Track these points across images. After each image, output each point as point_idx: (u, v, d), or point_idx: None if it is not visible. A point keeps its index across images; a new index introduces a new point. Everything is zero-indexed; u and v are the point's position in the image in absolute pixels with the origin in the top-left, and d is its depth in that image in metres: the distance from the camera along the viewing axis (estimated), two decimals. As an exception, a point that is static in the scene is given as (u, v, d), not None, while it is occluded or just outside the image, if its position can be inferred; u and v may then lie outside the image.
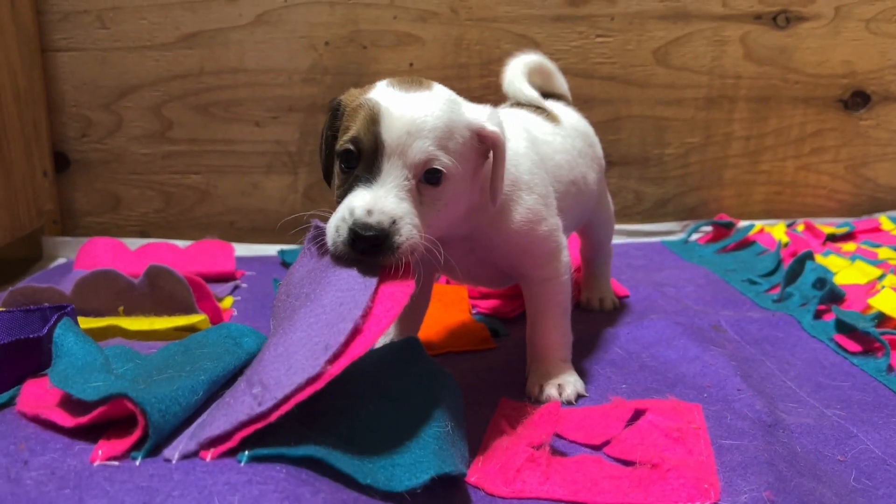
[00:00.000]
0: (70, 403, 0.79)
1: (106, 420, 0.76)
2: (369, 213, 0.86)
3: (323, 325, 0.79)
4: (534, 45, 2.09)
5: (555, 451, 0.93)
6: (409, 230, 0.88)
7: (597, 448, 0.95)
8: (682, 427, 0.96)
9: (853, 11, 2.18)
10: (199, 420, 0.77)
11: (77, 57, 2.08)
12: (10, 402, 0.85)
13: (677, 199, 2.29)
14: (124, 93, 2.10)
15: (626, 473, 0.87)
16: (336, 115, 1.00)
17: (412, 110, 0.90)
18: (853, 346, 1.28)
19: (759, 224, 2.12)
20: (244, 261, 1.95)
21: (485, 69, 2.13)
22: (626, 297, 1.59)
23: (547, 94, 1.44)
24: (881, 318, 1.35)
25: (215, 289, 1.60)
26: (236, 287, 1.71)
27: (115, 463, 0.70)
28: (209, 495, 0.65)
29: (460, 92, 1.02)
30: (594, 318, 1.46)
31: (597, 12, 2.13)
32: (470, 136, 0.96)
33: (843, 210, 2.33)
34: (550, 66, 1.44)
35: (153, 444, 0.72)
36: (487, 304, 1.52)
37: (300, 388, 0.73)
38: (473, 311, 1.50)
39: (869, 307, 1.40)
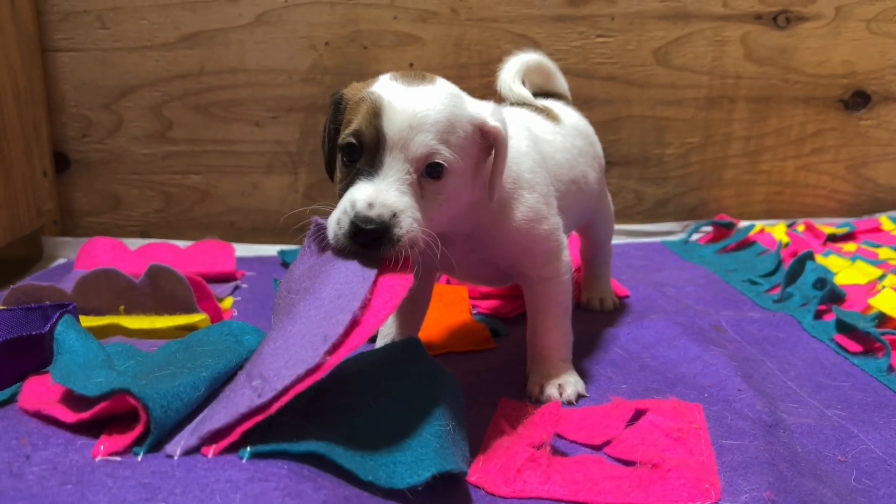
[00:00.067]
0: (72, 399, 0.79)
1: (108, 416, 0.76)
2: (370, 206, 0.87)
3: (322, 316, 0.79)
4: (534, 45, 2.08)
5: (555, 451, 0.93)
6: (410, 223, 0.88)
7: (597, 448, 0.95)
8: (682, 427, 0.96)
9: (854, 11, 2.18)
10: (201, 416, 0.77)
11: (77, 57, 2.08)
12: (11, 399, 0.85)
13: (677, 200, 2.29)
14: (124, 93, 2.11)
15: (627, 473, 0.87)
16: (338, 108, 1.00)
17: (414, 104, 0.90)
18: (854, 347, 1.28)
19: (759, 224, 2.12)
20: (244, 261, 1.95)
21: (485, 69, 2.13)
22: (627, 297, 1.59)
23: (547, 94, 1.44)
24: (882, 319, 1.35)
25: (216, 289, 1.60)
26: (236, 287, 1.71)
27: (117, 458, 0.70)
28: (211, 492, 0.65)
29: (460, 91, 1.02)
30: (594, 319, 1.46)
31: (597, 12, 2.14)
32: (472, 130, 0.96)
33: (844, 210, 2.33)
34: (550, 65, 1.44)
35: (155, 440, 0.72)
36: (488, 305, 1.52)
37: (300, 379, 0.73)
38: (474, 312, 1.50)
39: (869, 307, 1.40)
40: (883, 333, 1.27)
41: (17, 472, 0.68)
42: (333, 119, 1.00)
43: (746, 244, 2.01)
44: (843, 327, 1.33)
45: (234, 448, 0.71)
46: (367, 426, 0.79)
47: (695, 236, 2.18)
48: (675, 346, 1.25)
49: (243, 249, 2.08)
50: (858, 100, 2.25)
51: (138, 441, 0.72)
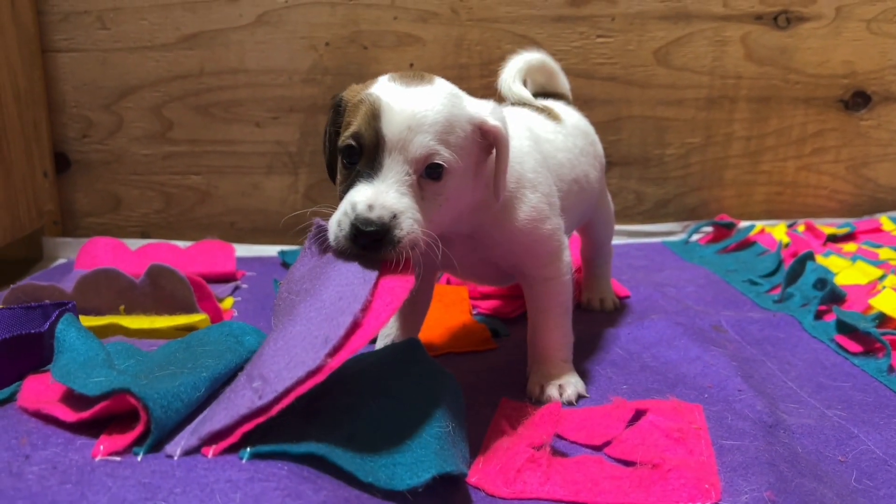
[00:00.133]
0: (72, 398, 0.79)
1: (108, 415, 0.76)
2: (371, 207, 0.86)
3: (323, 318, 0.79)
4: (534, 45, 2.07)
5: (555, 452, 0.93)
6: (410, 224, 0.88)
7: (597, 448, 0.95)
8: (682, 427, 0.96)
9: (854, 12, 2.18)
10: (201, 416, 0.77)
11: (77, 58, 2.08)
12: (11, 398, 0.85)
13: (678, 200, 2.29)
14: (125, 93, 2.11)
15: (627, 474, 0.87)
16: (338, 110, 1.00)
17: (413, 105, 0.90)
18: (854, 347, 1.28)
19: (759, 224, 2.12)
20: (244, 261, 1.95)
21: (485, 69, 2.13)
22: (627, 297, 1.59)
23: (549, 94, 1.44)
24: (882, 319, 1.35)
25: (216, 289, 1.60)
26: (237, 288, 1.71)
27: (117, 458, 0.70)
28: (211, 492, 0.65)
29: (461, 92, 1.02)
30: (595, 319, 1.46)
31: (597, 13, 2.14)
32: (472, 130, 0.95)
33: (844, 210, 2.33)
34: (553, 65, 1.43)
35: (155, 440, 0.72)
36: (488, 305, 1.52)
37: (300, 381, 0.73)
38: (474, 312, 1.50)
39: (870, 307, 1.40)
40: (883, 334, 1.27)
41: (17, 472, 0.68)
42: (333, 122, 1.00)
43: (747, 244, 2.01)
44: (844, 328, 1.33)
45: (234, 448, 0.71)
46: (367, 427, 0.79)
47: (695, 237, 2.18)
48: (675, 347, 1.25)
49: (243, 250, 2.08)
50: (859, 100, 2.25)
51: (138, 441, 0.72)
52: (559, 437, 0.98)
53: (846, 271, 1.62)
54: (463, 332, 1.38)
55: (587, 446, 0.96)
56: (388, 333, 1.26)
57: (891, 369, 1.19)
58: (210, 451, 0.70)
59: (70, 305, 0.99)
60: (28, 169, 2.00)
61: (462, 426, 0.88)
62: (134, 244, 1.89)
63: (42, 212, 2.10)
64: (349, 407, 0.82)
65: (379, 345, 1.23)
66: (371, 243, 0.86)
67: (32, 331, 0.91)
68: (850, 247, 1.89)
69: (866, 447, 0.96)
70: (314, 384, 0.73)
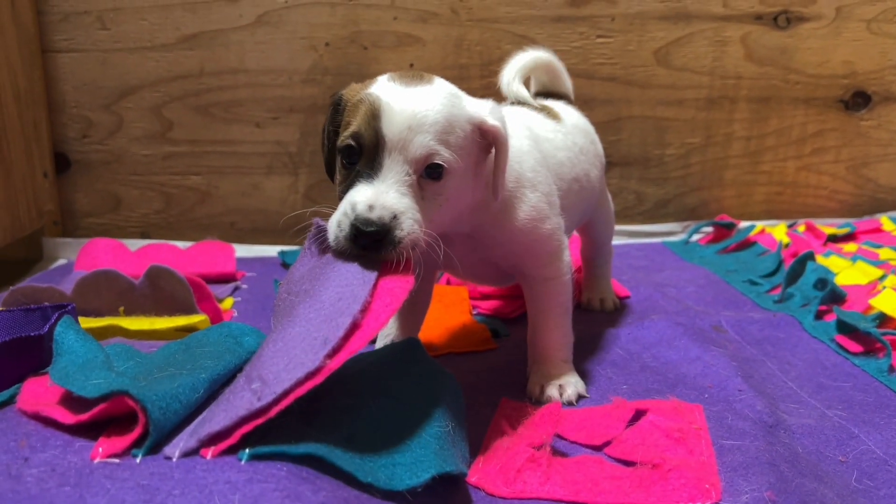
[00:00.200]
0: (71, 401, 0.79)
1: (106, 417, 0.76)
2: (371, 208, 0.86)
3: (322, 319, 0.79)
4: (534, 45, 2.08)
5: (555, 452, 0.92)
6: (411, 225, 0.88)
7: (598, 448, 0.95)
8: (683, 427, 0.96)
9: (854, 12, 2.18)
10: (200, 418, 0.77)
11: (77, 58, 2.08)
12: (10, 400, 0.85)
13: (678, 200, 2.29)
14: (125, 94, 2.11)
15: (627, 474, 0.87)
16: (337, 109, 0.99)
17: (413, 105, 0.90)
18: (854, 347, 1.28)
19: (759, 225, 2.12)
20: (244, 262, 1.95)
21: (485, 70, 2.13)
22: (627, 297, 1.59)
23: (551, 94, 1.44)
24: (882, 319, 1.35)
25: (216, 290, 1.60)
26: (236, 288, 1.71)
27: (116, 460, 0.70)
28: (210, 493, 0.65)
29: (460, 92, 1.02)
30: (595, 319, 1.46)
31: (597, 13, 2.14)
32: (471, 129, 0.95)
33: (844, 210, 2.33)
34: (559, 65, 1.43)
35: (154, 442, 0.72)
36: (488, 305, 1.52)
37: (299, 382, 0.73)
38: (474, 312, 1.50)
39: (870, 308, 1.40)
40: (884, 334, 1.27)
41: (16, 474, 0.68)
42: (332, 120, 1.00)
43: (747, 245, 2.01)
44: (844, 328, 1.32)
45: (232, 450, 0.71)
46: (366, 427, 0.79)
47: (695, 237, 2.18)
48: (675, 347, 1.25)
49: (243, 250, 2.08)
50: (859, 100, 2.25)
51: (137, 443, 0.72)
52: (559, 437, 0.98)
53: (846, 271, 1.62)
54: (463, 332, 1.38)
55: (587, 446, 0.96)
56: (387, 334, 1.26)
57: (891, 369, 1.19)
58: (209, 453, 0.70)
59: (69, 307, 0.99)
60: (28, 169, 2.00)
61: (462, 426, 0.88)
62: (134, 244, 1.89)
63: (42, 212, 2.10)
64: (349, 407, 0.82)
65: (379, 345, 1.23)
66: (371, 244, 0.86)
67: (32, 333, 0.91)
68: (850, 247, 1.89)
69: (867, 447, 0.96)
70: (313, 385, 0.73)
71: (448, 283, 1.64)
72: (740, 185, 2.29)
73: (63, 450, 0.73)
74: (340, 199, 0.92)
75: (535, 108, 1.28)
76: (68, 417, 0.76)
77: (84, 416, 0.75)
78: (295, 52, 2.10)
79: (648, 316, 1.42)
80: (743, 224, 2.16)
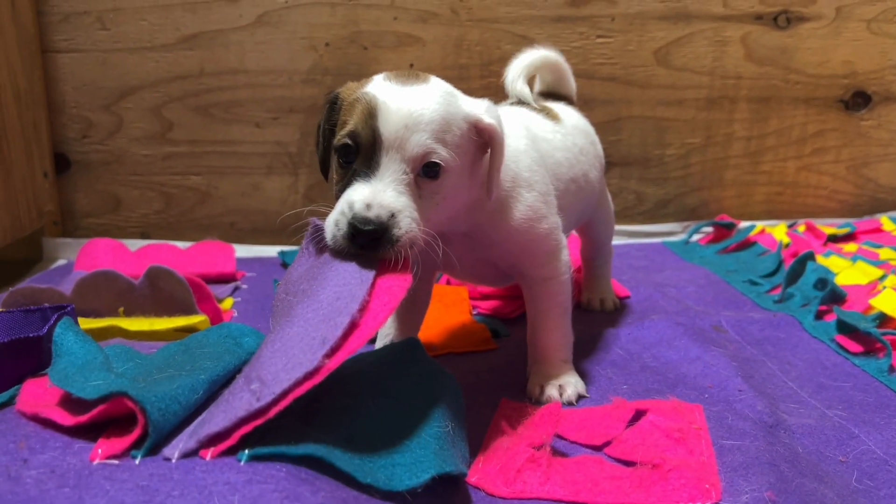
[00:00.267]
0: (70, 402, 0.79)
1: (106, 419, 0.76)
2: (368, 207, 0.86)
3: (320, 319, 0.79)
4: (535, 45, 2.08)
5: (555, 452, 0.92)
6: (409, 223, 0.88)
7: (598, 448, 0.95)
8: (683, 427, 0.96)
9: (854, 12, 2.18)
10: (199, 419, 0.76)
11: (77, 58, 2.08)
12: (9, 402, 0.85)
13: (678, 200, 2.29)
14: (125, 94, 2.10)
15: (627, 474, 0.87)
16: (333, 108, 0.99)
17: (409, 104, 0.90)
18: (854, 347, 1.28)
19: (760, 225, 2.12)
20: (244, 262, 1.95)
21: (485, 70, 2.13)
22: (627, 297, 1.59)
23: (553, 94, 1.44)
24: (882, 319, 1.35)
25: (215, 290, 1.60)
26: (236, 288, 1.71)
27: (115, 462, 0.70)
28: (209, 494, 0.65)
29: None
30: (595, 319, 1.46)
31: (597, 13, 2.13)
32: (467, 128, 0.95)
33: (845, 211, 2.33)
34: (566, 66, 1.43)
35: (153, 443, 0.72)
36: (488, 305, 1.52)
37: (298, 382, 0.73)
38: (474, 312, 1.50)
39: (870, 308, 1.40)
40: (884, 334, 1.27)
41: (15, 476, 0.68)
42: (328, 119, 1.00)
43: (747, 245, 2.01)
44: (844, 328, 1.32)
45: (232, 451, 0.70)
46: (365, 427, 0.79)
47: (695, 237, 2.18)
48: (675, 347, 1.25)
49: (243, 250, 2.08)
50: (859, 100, 2.25)
51: (136, 444, 0.72)
52: (559, 437, 0.98)
53: (846, 271, 1.62)
54: (463, 332, 1.38)
55: (587, 446, 0.96)
56: (387, 333, 1.25)
57: (891, 369, 1.18)
58: (208, 454, 0.70)
59: (69, 308, 0.99)
60: (28, 169, 2.00)
61: (462, 426, 0.87)
62: (134, 245, 1.89)
63: (42, 212, 2.10)
64: (348, 407, 0.82)
65: (378, 345, 1.23)
66: (369, 242, 0.86)
67: (31, 334, 0.91)
68: (850, 247, 1.89)
69: (867, 447, 0.96)
70: (312, 386, 0.73)
71: (448, 282, 1.63)
72: (740, 186, 2.29)
73: (62, 451, 0.73)
74: (337, 198, 0.92)
75: (535, 109, 1.28)
76: (67, 419, 0.76)
77: (83, 418, 0.75)
78: (295, 52, 2.10)
79: (648, 316, 1.42)
80: (743, 224, 2.16)
